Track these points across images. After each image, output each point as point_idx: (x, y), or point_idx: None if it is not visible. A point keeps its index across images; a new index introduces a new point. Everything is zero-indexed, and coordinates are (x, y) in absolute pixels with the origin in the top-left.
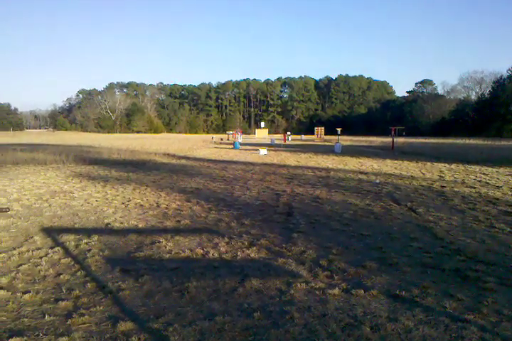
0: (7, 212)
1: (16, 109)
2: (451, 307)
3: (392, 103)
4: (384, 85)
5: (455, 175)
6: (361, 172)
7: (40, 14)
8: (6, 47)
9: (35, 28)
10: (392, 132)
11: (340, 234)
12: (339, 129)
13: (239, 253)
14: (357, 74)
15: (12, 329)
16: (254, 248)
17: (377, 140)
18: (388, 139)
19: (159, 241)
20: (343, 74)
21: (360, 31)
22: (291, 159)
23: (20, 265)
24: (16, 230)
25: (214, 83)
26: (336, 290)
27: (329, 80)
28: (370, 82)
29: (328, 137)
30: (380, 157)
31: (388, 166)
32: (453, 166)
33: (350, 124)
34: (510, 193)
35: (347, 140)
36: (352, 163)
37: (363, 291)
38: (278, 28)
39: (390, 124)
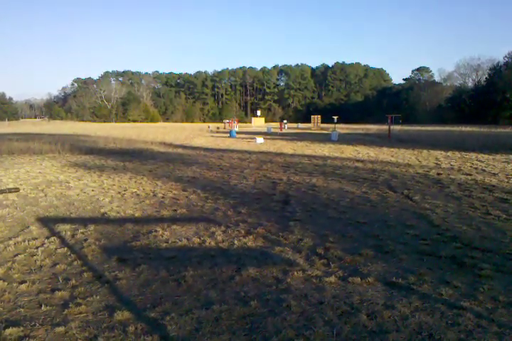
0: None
1: (10, 99)
2: (447, 294)
3: (388, 90)
4: (380, 73)
5: (451, 163)
6: (357, 160)
7: (36, 3)
8: (0, 36)
9: (31, 16)
10: (389, 120)
11: (336, 222)
12: (336, 117)
13: (236, 241)
14: (353, 62)
15: (8, 319)
16: (251, 236)
17: (373, 128)
18: (385, 127)
19: (156, 231)
20: (340, 62)
21: (357, 18)
22: (287, 147)
23: (17, 255)
24: (11, 220)
25: (210, 71)
26: (333, 278)
27: (326, 68)
28: (366, 69)
29: (324, 125)
30: (377, 145)
31: (385, 154)
32: (449, 153)
33: (347, 112)
34: (506, 180)
35: (343, 128)
36: (348, 151)
37: (359, 279)
38: (274, 16)
39: (387, 112)
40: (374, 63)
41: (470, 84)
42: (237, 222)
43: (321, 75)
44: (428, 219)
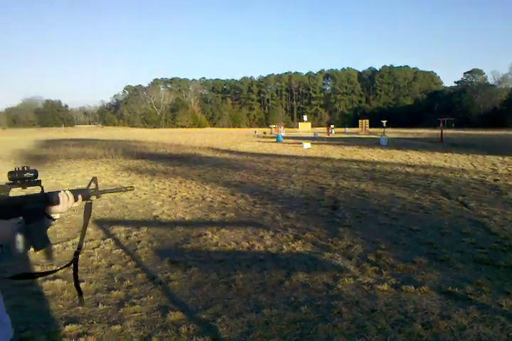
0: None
1: (66, 106)
2: (507, 305)
3: (439, 94)
4: (431, 76)
5: (509, 168)
6: (409, 166)
7: (88, 13)
8: (57, 49)
9: (87, 30)
10: (441, 124)
11: (388, 229)
12: (384, 121)
13: (284, 246)
14: (402, 65)
15: (68, 316)
16: (300, 241)
17: (424, 132)
18: (436, 131)
19: (205, 234)
20: (388, 65)
21: (405, 20)
22: (335, 152)
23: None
24: (69, 222)
25: (256, 77)
26: (385, 286)
27: (373, 72)
28: (415, 72)
29: (373, 130)
30: (428, 149)
31: (437, 159)
32: (506, 159)
33: (396, 116)
34: None
35: (393, 132)
36: (398, 156)
37: (413, 287)
38: (320, 21)
39: (438, 116)
40: (423, 66)
41: None
42: (286, 227)
43: (369, 79)
44: (485, 226)
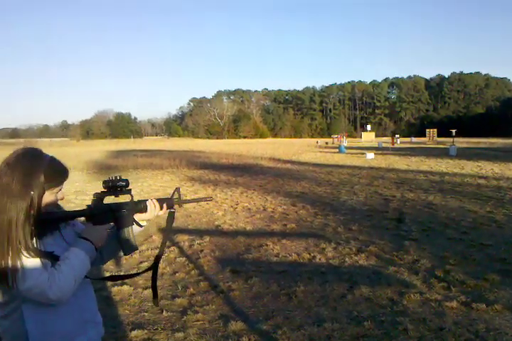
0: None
1: (135, 118)
2: None
3: None
4: (504, 82)
5: None
6: (480, 177)
7: (158, 28)
8: (126, 64)
9: (152, 43)
10: None
11: (457, 243)
12: (454, 131)
13: (347, 259)
14: (472, 71)
15: (134, 322)
16: (363, 254)
17: (497, 141)
18: (511, 140)
19: (266, 244)
20: (457, 72)
21: (475, 24)
22: (400, 163)
23: (141, 262)
24: None
25: (318, 87)
26: (454, 303)
27: (441, 79)
28: (487, 79)
29: (441, 139)
30: (502, 160)
31: None
32: None
33: (466, 125)
34: None
35: (463, 142)
36: (469, 167)
37: (484, 305)
38: (383, 27)
39: None
40: (496, 72)
41: None
42: (348, 239)
43: (437, 87)
44: None
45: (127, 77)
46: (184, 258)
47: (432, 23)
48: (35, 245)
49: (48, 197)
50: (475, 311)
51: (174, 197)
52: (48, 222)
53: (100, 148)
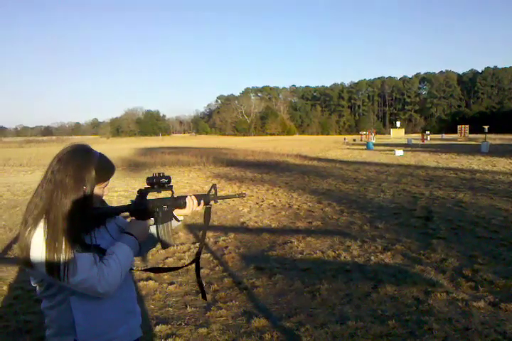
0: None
1: (164, 116)
2: None
3: None
4: None
5: None
6: None
7: (183, 29)
8: (157, 63)
9: (181, 43)
10: None
11: (487, 242)
12: (486, 127)
13: (372, 257)
14: (507, 66)
15: (159, 317)
16: (389, 253)
17: None
18: None
19: (291, 241)
20: (491, 67)
21: (509, 17)
22: (430, 160)
23: (166, 258)
24: None
25: (346, 83)
26: (482, 303)
27: (474, 74)
28: None
29: (473, 136)
30: None
31: None
32: None
33: (500, 121)
34: None
35: (496, 138)
36: (502, 164)
37: None
38: (415, 21)
39: None
40: None
41: None
42: (374, 237)
43: (469, 82)
44: None
45: (157, 76)
46: (209, 255)
47: (466, 18)
48: (85, 239)
49: (96, 192)
50: (503, 311)
51: (211, 193)
52: (97, 216)
53: (129, 145)
